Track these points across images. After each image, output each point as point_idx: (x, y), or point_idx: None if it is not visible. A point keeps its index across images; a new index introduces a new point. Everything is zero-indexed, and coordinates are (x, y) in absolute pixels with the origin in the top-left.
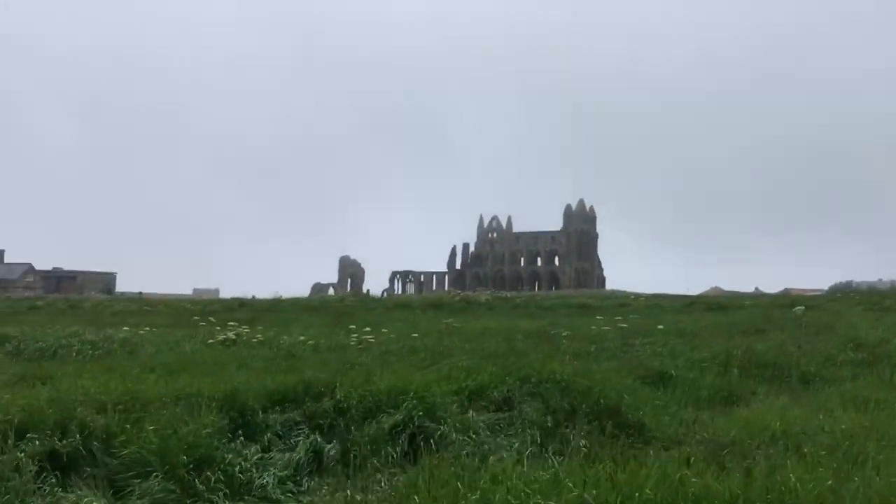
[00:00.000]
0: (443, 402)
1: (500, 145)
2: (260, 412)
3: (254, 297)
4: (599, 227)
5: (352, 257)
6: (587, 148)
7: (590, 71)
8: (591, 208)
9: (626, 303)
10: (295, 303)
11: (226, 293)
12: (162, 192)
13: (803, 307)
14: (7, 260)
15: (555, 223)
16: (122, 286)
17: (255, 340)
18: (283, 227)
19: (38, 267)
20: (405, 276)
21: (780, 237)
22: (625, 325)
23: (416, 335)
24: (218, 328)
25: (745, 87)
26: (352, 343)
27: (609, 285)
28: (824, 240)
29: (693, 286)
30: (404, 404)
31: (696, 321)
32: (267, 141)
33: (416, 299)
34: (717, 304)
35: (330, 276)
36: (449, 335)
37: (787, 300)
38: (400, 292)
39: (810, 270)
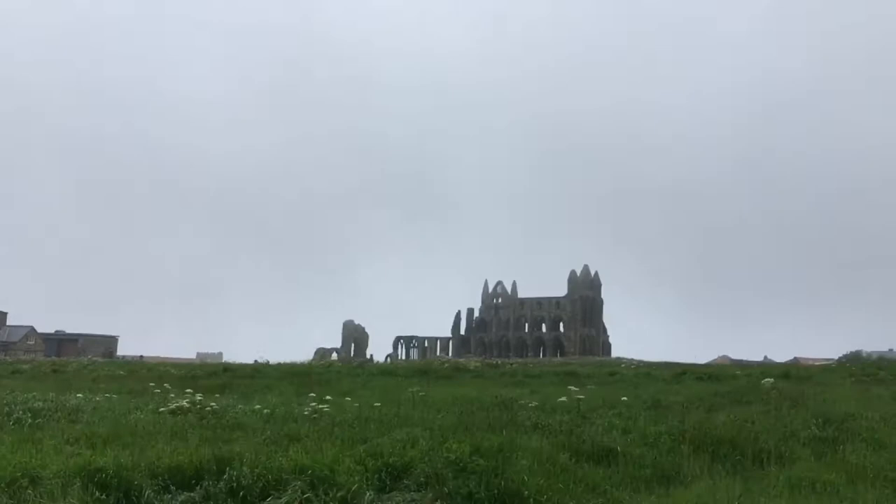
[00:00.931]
0: (349, 481)
1: (505, 208)
2: (146, 492)
3: (256, 361)
4: (605, 294)
5: (356, 322)
6: (594, 212)
7: (596, 131)
8: (596, 274)
9: (615, 371)
10: (278, 368)
11: (230, 358)
12: (163, 255)
13: (772, 379)
14: (10, 322)
15: (560, 289)
16: (125, 349)
17: (207, 409)
18: (288, 291)
19: (41, 329)
20: (409, 341)
21: (796, 305)
22: (581, 397)
23: (378, 404)
24: (172, 395)
25: (756, 152)
26: (305, 413)
27: (615, 352)
28: (842, 308)
29: (702, 355)
30: (291, 485)
31: (677, 392)
32: (267, 200)
33: (403, 366)
34: (707, 375)
35: (334, 340)
36: (413, 405)
37: (779, 371)
38: (403, 358)
39: (825, 339)
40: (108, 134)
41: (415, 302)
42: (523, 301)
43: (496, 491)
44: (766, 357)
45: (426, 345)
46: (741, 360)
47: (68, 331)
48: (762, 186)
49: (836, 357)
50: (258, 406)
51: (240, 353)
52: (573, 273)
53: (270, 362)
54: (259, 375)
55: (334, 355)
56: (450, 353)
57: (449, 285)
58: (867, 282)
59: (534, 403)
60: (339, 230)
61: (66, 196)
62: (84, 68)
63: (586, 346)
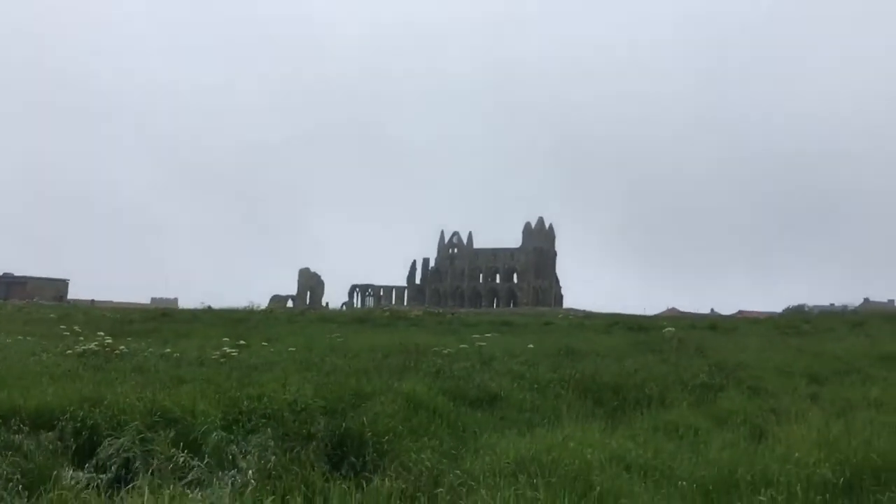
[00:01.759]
0: (199, 422)
1: (463, 159)
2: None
3: (209, 307)
4: (560, 246)
5: (312, 270)
6: (552, 164)
7: (554, 83)
8: (551, 226)
9: (551, 321)
10: (217, 314)
11: (186, 303)
12: (119, 198)
13: (673, 329)
14: None
15: (515, 241)
16: (79, 293)
17: (115, 353)
18: (244, 237)
19: None
20: (365, 289)
21: (749, 259)
22: (482, 344)
23: (293, 349)
24: (82, 339)
25: (709, 107)
26: (213, 357)
27: (568, 304)
28: (793, 263)
29: (652, 307)
30: (131, 425)
31: (600, 342)
32: (222, 146)
33: (342, 314)
34: (637, 325)
35: (292, 288)
36: (331, 351)
37: (707, 322)
38: (359, 306)
39: (774, 293)
40: (56, 66)
41: (372, 251)
42: (478, 252)
43: (336, 432)
44: (712, 310)
45: (381, 294)
46: (688, 313)
47: (17, 273)
48: (716, 140)
49: (779, 310)
50: (169, 350)
51: (196, 298)
52: (528, 225)
53: (212, 308)
54: (196, 321)
55: (290, 303)
56: (405, 303)
57: (407, 235)
58: (816, 237)
59: (448, 351)
60: (294, 175)
61: (11, 127)
62: None
63: (539, 297)
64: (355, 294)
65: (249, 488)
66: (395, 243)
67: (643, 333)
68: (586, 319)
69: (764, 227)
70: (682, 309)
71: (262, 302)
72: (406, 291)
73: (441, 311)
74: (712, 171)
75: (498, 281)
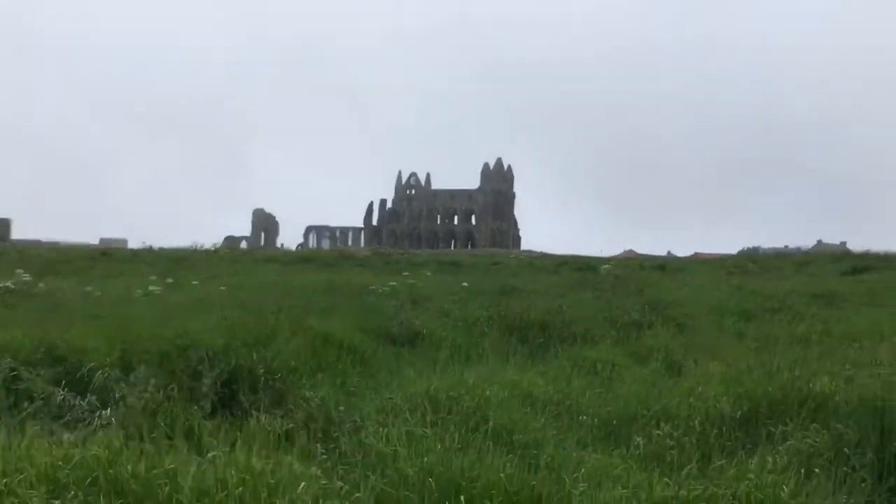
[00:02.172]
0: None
1: (422, 101)
2: None
3: (150, 247)
4: (519, 188)
5: (266, 210)
6: (511, 105)
7: (512, 24)
8: (510, 167)
9: (499, 262)
10: (158, 254)
11: (135, 244)
12: (67, 139)
13: (609, 266)
14: None
15: (474, 182)
16: (25, 233)
17: (34, 291)
18: (200, 179)
19: None
20: (321, 230)
21: (709, 201)
22: (413, 281)
23: (223, 288)
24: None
25: (669, 51)
26: (136, 295)
27: (526, 245)
28: (752, 205)
29: (610, 249)
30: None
31: (544, 281)
32: (173, 84)
33: (288, 253)
34: (585, 265)
35: (246, 229)
36: (264, 290)
37: (655, 263)
38: (315, 247)
39: (731, 235)
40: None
41: (330, 193)
42: (436, 193)
43: (226, 369)
44: (669, 252)
45: (338, 235)
46: (645, 255)
47: None
48: (678, 87)
49: (734, 252)
50: (90, 289)
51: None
52: (486, 166)
53: (154, 248)
54: (135, 260)
55: (244, 244)
56: (362, 244)
57: (365, 178)
58: (776, 181)
59: (383, 290)
60: (251, 117)
61: None
62: None
63: (497, 238)
64: (311, 235)
65: (114, 427)
66: (353, 186)
67: (591, 273)
68: (536, 260)
69: (723, 171)
70: (639, 251)
71: (217, 242)
72: (363, 233)
73: (390, 251)
74: (674, 116)
75: (456, 223)
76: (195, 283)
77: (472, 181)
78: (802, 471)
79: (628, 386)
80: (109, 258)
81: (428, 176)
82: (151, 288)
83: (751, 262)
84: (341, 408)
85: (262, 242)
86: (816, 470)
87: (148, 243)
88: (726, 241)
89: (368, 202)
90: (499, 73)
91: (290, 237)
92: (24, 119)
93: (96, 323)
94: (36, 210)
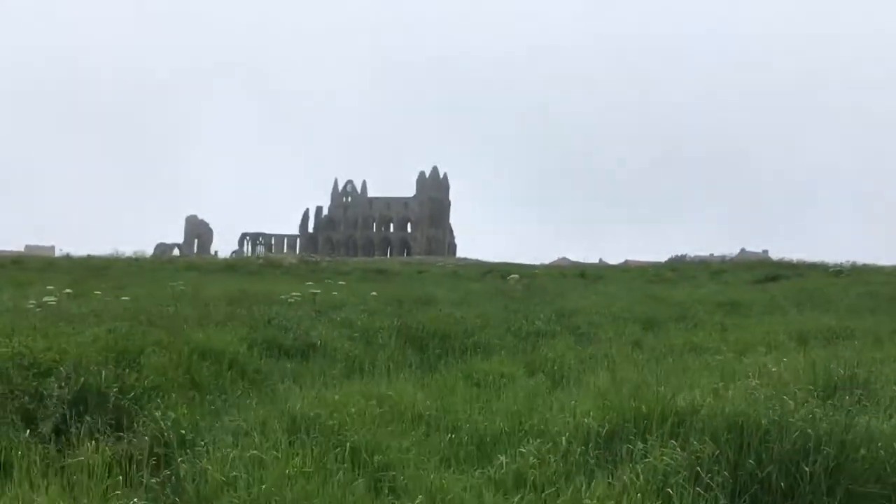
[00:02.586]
0: None
1: (357, 105)
2: None
3: (68, 254)
4: (454, 196)
5: (199, 217)
6: (446, 114)
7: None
8: (445, 176)
9: (424, 270)
10: (77, 262)
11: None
12: None
13: (518, 276)
14: None
15: (410, 190)
16: None
17: None
18: (125, 181)
19: None
20: (255, 238)
21: (648, 212)
22: (317, 291)
23: (125, 298)
24: None
25: (601, 58)
26: (27, 305)
27: (461, 253)
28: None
29: (544, 256)
30: None
31: (461, 289)
32: (90, 80)
33: (213, 262)
34: (509, 274)
35: (178, 236)
36: (170, 300)
37: (577, 271)
38: (249, 254)
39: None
40: None
41: (266, 200)
42: (372, 200)
43: (74, 388)
44: (600, 259)
45: (273, 242)
46: (577, 262)
47: None
48: (611, 95)
49: (663, 260)
50: None
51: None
52: (422, 174)
53: (71, 255)
54: (51, 269)
55: (176, 251)
56: (297, 251)
57: (303, 186)
58: (710, 189)
59: (294, 299)
60: (182, 119)
61: None
62: None
63: (432, 246)
64: (245, 242)
65: None
66: (291, 193)
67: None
68: (462, 268)
69: (658, 180)
70: (572, 259)
71: (148, 250)
72: (298, 241)
73: (318, 259)
74: (609, 123)
75: (392, 230)
76: (98, 293)
77: (408, 189)
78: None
79: (510, 400)
80: (21, 266)
81: (364, 183)
82: (46, 298)
83: (670, 269)
84: (185, 432)
85: (196, 250)
86: (670, 490)
87: (66, 251)
88: (657, 249)
89: (304, 209)
90: (437, 72)
91: (224, 245)
92: None
93: None
94: None
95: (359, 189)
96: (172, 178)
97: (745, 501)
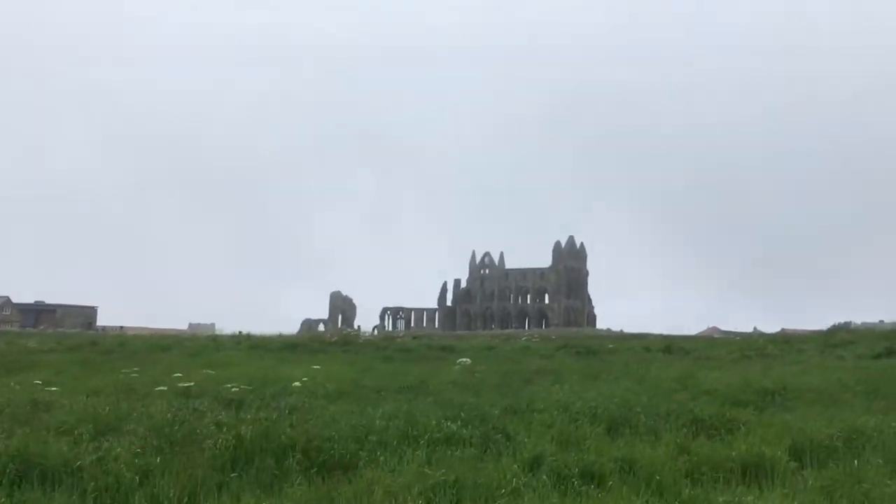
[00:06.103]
0: None
1: (495, 179)
2: None
3: (240, 332)
4: (592, 265)
5: (343, 293)
6: (585, 182)
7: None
8: (582, 245)
9: (491, 345)
10: (146, 342)
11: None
12: (153, 226)
13: (468, 360)
14: None
15: (547, 261)
16: (110, 320)
17: None
18: (277, 262)
19: (18, 300)
20: (396, 312)
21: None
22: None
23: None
24: None
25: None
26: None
27: (602, 323)
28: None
29: (693, 326)
30: None
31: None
32: (246, 169)
33: (277, 340)
34: (585, 349)
35: (323, 311)
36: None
37: (663, 344)
38: (390, 329)
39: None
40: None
41: (404, 272)
42: (508, 272)
43: None
44: (755, 328)
45: (412, 316)
46: (729, 332)
47: (49, 301)
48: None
49: (825, 328)
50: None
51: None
52: (558, 244)
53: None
54: (118, 350)
55: (321, 327)
56: (436, 325)
57: (440, 256)
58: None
59: (298, 384)
60: (325, 200)
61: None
62: None
63: (570, 317)
64: (386, 317)
65: None
66: (429, 265)
67: (593, 357)
68: (541, 343)
69: (828, 240)
70: (723, 328)
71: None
72: (437, 313)
73: (393, 334)
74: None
75: (528, 301)
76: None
77: (544, 260)
78: None
79: None
80: (96, 348)
81: (501, 255)
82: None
83: (782, 342)
84: None
85: (340, 324)
86: None
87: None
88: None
89: (443, 282)
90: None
91: (366, 318)
92: (102, 204)
93: None
94: (120, 296)
95: (496, 260)
96: (317, 255)
97: None
